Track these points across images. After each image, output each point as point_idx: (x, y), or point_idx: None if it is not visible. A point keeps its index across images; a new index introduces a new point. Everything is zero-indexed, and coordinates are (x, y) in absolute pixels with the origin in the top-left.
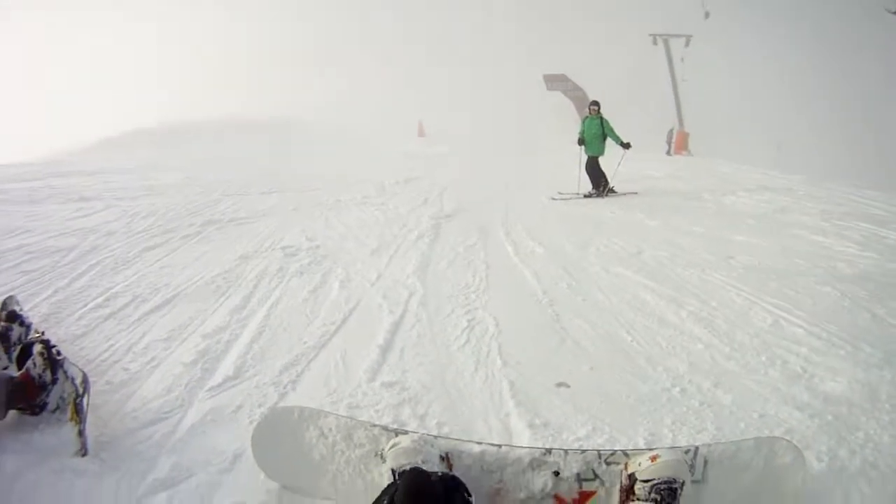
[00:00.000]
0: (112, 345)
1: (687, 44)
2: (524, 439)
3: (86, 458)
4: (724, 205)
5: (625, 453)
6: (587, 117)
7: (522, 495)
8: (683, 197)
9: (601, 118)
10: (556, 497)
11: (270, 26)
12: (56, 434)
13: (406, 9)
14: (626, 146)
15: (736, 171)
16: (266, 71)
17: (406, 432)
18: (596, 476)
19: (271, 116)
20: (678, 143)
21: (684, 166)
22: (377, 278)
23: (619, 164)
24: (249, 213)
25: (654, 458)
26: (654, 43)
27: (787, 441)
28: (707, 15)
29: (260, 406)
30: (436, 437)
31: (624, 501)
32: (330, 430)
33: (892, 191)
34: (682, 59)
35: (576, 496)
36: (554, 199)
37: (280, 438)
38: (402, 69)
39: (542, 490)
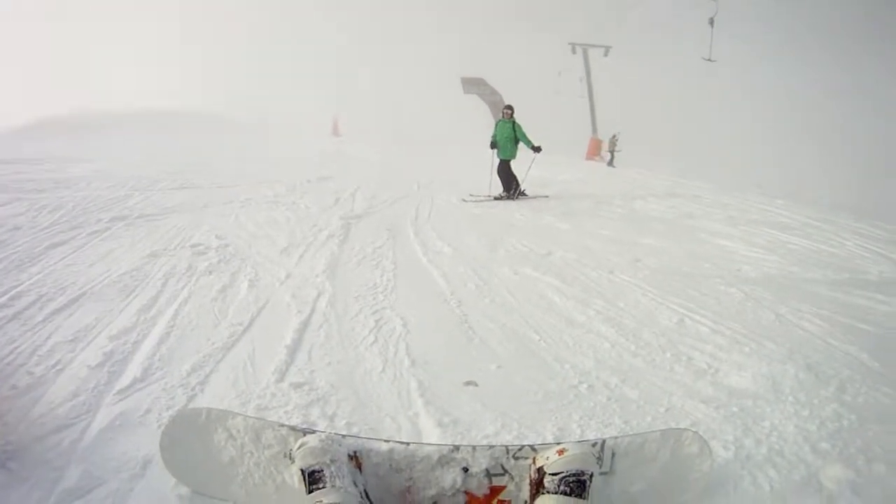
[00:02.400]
0: (16, 347)
1: (606, 53)
2: (433, 437)
3: None
4: (634, 209)
5: (532, 448)
6: (500, 120)
7: (433, 492)
8: (594, 201)
9: (514, 122)
10: (467, 493)
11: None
12: None
13: (328, 5)
14: (537, 150)
15: (648, 178)
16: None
17: (314, 431)
18: (505, 471)
19: (186, 108)
20: (591, 149)
21: (597, 172)
22: (286, 277)
23: (530, 167)
24: (159, 209)
25: (561, 452)
26: (573, 52)
27: (693, 431)
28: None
29: (168, 409)
30: (344, 436)
31: (534, 495)
32: (238, 431)
33: (804, 200)
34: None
35: (486, 491)
36: (465, 200)
37: (189, 442)
38: (319, 66)
39: (453, 486)
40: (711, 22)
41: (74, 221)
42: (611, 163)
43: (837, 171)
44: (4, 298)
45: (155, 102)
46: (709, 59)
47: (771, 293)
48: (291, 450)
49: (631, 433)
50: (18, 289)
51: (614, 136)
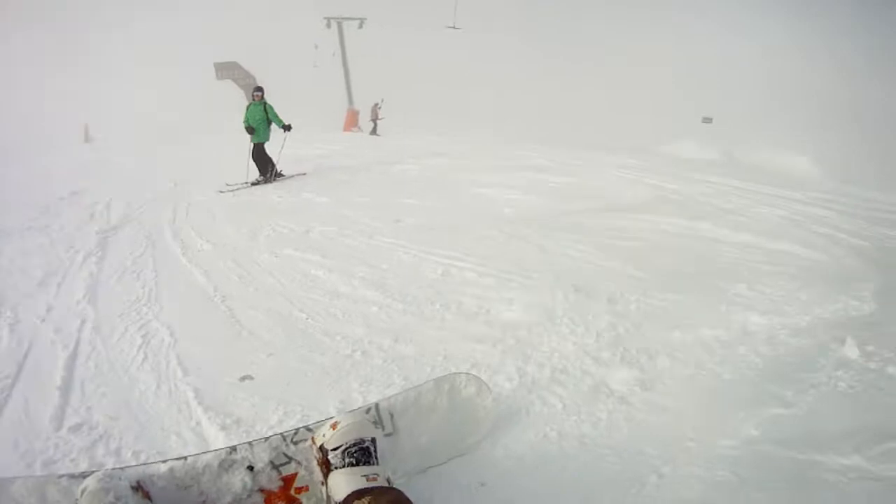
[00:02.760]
0: None
1: (361, 26)
2: (220, 442)
3: None
4: (392, 173)
5: (307, 429)
6: (251, 104)
7: (228, 500)
8: (352, 171)
9: (265, 104)
10: (262, 490)
11: None
12: None
13: None
14: (287, 128)
15: (405, 144)
16: None
17: (92, 473)
18: (289, 458)
19: None
20: (348, 121)
21: (355, 143)
22: (47, 311)
23: (283, 147)
24: None
25: (334, 426)
26: (328, 26)
27: (466, 373)
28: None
29: None
30: (122, 468)
31: (326, 474)
32: (23, 496)
33: (560, 144)
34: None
35: (279, 483)
36: (222, 191)
37: None
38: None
39: (244, 488)
40: None
41: None
42: (374, 131)
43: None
44: None
45: None
46: (453, 27)
47: (534, 230)
48: (77, 500)
49: (404, 391)
50: None
51: (376, 105)
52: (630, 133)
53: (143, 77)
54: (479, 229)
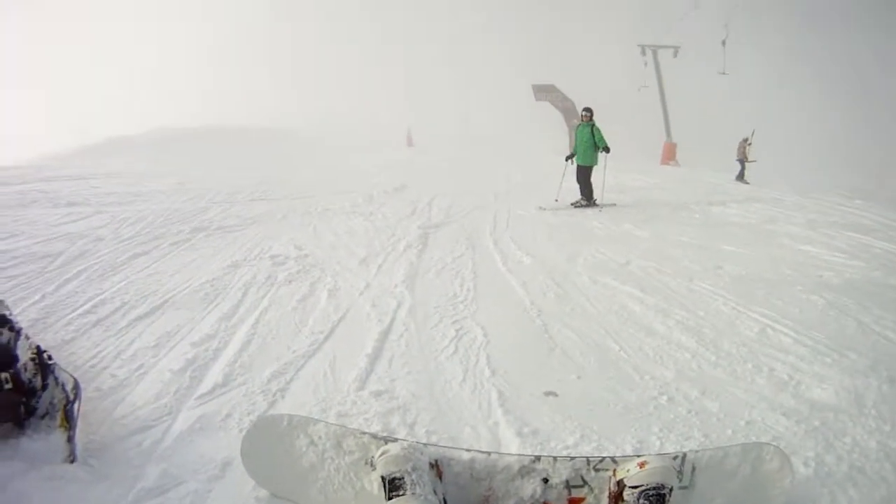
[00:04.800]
0: (100, 351)
1: (675, 55)
2: (513, 447)
3: (74, 464)
4: (712, 215)
5: (613, 460)
6: (580, 125)
7: (512, 502)
8: (671, 208)
9: (592, 125)
10: (546, 503)
11: (251, 29)
12: (45, 440)
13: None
14: (606, 150)
15: (723, 182)
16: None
17: (396, 440)
18: (585, 482)
19: (257, 125)
20: (666, 153)
21: (671, 177)
22: (365, 287)
23: (604, 174)
24: (238, 220)
25: (642, 465)
26: (643, 54)
27: (775, 446)
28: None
29: (249, 414)
30: (425, 444)
31: None
32: (320, 437)
33: (883, 201)
34: (724, 72)
35: (565, 503)
36: (542, 209)
37: (269, 446)
38: (388, 75)
39: (532, 497)
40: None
41: (155, 233)
42: (741, 176)
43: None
44: (88, 305)
45: (222, 121)
46: (723, 73)
47: (853, 300)
48: (373, 457)
49: (711, 447)
50: (101, 296)
51: (745, 141)
52: None
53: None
54: (798, 291)
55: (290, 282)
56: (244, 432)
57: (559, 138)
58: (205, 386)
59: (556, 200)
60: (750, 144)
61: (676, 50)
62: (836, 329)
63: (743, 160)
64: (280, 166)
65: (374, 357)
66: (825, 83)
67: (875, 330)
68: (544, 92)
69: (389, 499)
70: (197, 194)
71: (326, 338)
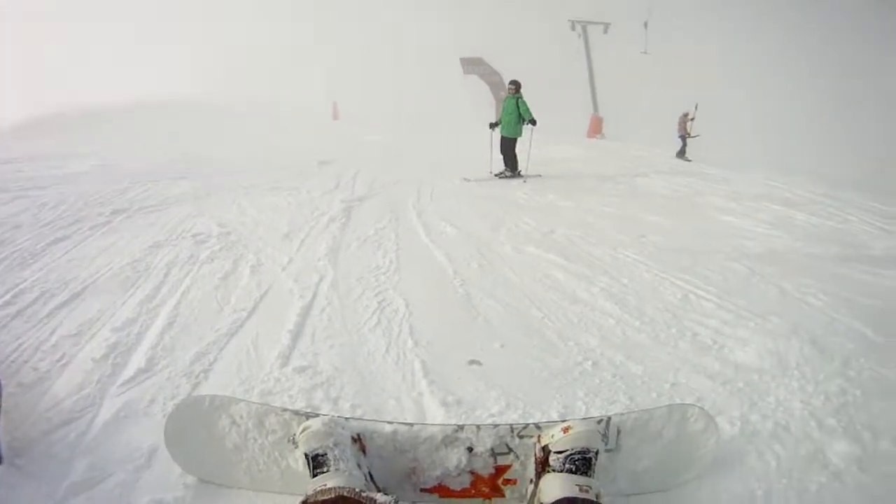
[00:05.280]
0: (21, 344)
1: (605, 31)
2: (438, 417)
3: (1, 466)
4: (637, 186)
5: (537, 426)
6: (507, 97)
7: (437, 472)
8: (597, 179)
9: (518, 98)
10: (472, 472)
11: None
12: None
13: None
14: (532, 122)
15: (650, 156)
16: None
17: (317, 415)
18: (510, 450)
19: (176, 99)
20: (592, 127)
21: (597, 149)
22: (288, 262)
23: (530, 146)
24: (159, 200)
25: (566, 430)
26: (573, 29)
27: (699, 407)
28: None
29: (173, 398)
30: (347, 418)
31: (539, 473)
32: (241, 417)
33: (810, 177)
34: (646, 52)
35: (491, 471)
36: (467, 180)
37: (192, 430)
38: (307, 48)
39: (458, 466)
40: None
41: (76, 216)
42: (682, 153)
43: (836, 146)
44: (8, 296)
45: (142, 96)
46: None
47: (775, 268)
48: (295, 434)
49: (636, 410)
50: (21, 286)
51: (686, 115)
52: None
53: (389, 70)
54: (721, 259)
55: (212, 260)
56: (167, 417)
57: (489, 113)
58: (128, 372)
59: (491, 172)
60: (692, 119)
61: (607, 26)
62: (759, 295)
63: (684, 136)
64: (205, 143)
65: (297, 333)
66: (811, 64)
67: (796, 296)
68: (472, 65)
69: (314, 475)
70: (117, 175)
71: (249, 315)
